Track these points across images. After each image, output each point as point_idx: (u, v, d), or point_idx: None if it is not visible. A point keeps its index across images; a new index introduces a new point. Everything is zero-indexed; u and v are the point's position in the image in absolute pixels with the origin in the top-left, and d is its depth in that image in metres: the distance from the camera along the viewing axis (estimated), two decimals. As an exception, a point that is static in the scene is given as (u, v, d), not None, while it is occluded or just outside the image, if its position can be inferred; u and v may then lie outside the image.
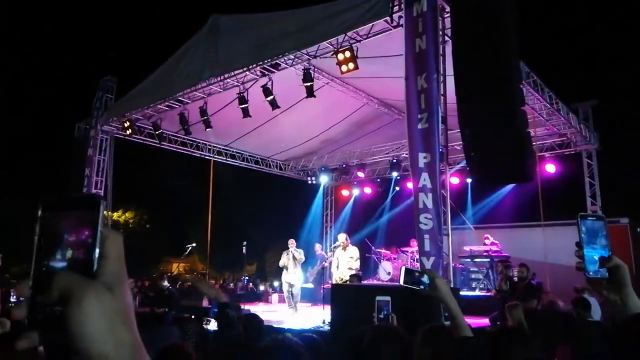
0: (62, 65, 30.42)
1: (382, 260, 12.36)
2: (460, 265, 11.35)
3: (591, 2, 22.62)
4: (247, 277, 17.24)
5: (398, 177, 14.19)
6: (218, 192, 14.65)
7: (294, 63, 8.60)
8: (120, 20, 36.70)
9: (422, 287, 1.72)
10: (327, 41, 7.81)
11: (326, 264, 10.97)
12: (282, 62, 8.63)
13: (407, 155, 8.04)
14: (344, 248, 10.07)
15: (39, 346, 0.52)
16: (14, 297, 7.69)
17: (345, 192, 16.12)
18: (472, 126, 5.92)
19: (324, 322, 7.69)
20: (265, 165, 14.92)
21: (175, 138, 12.47)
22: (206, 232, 13.80)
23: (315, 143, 13.53)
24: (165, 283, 9.58)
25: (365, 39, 7.60)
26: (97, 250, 0.53)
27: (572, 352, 3.98)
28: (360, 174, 13.98)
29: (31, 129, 26.07)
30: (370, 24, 7.28)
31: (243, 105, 9.32)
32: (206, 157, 13.49)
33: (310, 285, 12.05)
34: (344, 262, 9.94)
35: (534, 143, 6.63)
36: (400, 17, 6.85)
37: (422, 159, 6.13)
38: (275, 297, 13.78)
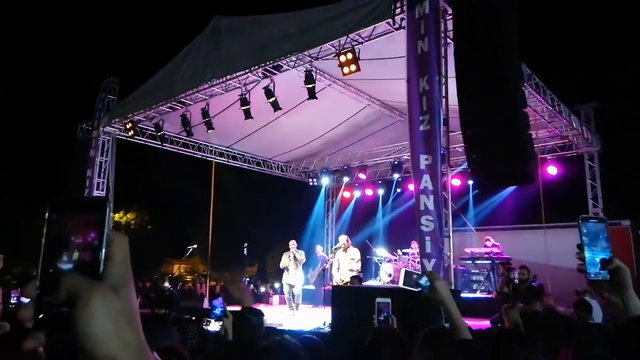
0: (63, 66, 30.54)
1: (382, 262, 12.36)
2: (461, 267, 11.33)
3: (591, 2, 22.65)
4: (248, 279, 17.24)
5: (399, 179, 14.19)
6: (219, 193, 14.65)
7: (295, 65, 8.60)
8: (121, 21, 36.81)
9: (421, 289, 1.73)
10: (329, 43, 7.81)
11: (327, 266, 10.97)
12: (284, 64, 8.63)
13: (408, 157, 8.05)
14: (345, 250, 10.09)
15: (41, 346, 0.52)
16: (15, 297, 7.70)
17: (346, 194, 16.12)
18: (473, 127, 5.91)
19: (324, 324, 7.68)
20: (267, 166, 14.93)
21: (177, 139, 12.47)
22: (207, 234, 13.80)
23: (316, 144, 13.54)
24: (166, 284, 9.60)
25: (367, 40, 7.59)
26: (103, 252, 0.53)
27: (574, 355, 3.97)
28: (362, 176, 13.98)
29: (31, 129, 26.16)
30: (372, 26, 7.28)
31: (245, 107, 9.32)
32: (208, 159, 13.50)
33: (312, 287, 12.04)
34: (344, 263, 9.95)
35: (536, 145, 6.64)
36: (402, 19, 6.85)
37: (423, 160, 6.13)
38: (276, 298, 13.77)
